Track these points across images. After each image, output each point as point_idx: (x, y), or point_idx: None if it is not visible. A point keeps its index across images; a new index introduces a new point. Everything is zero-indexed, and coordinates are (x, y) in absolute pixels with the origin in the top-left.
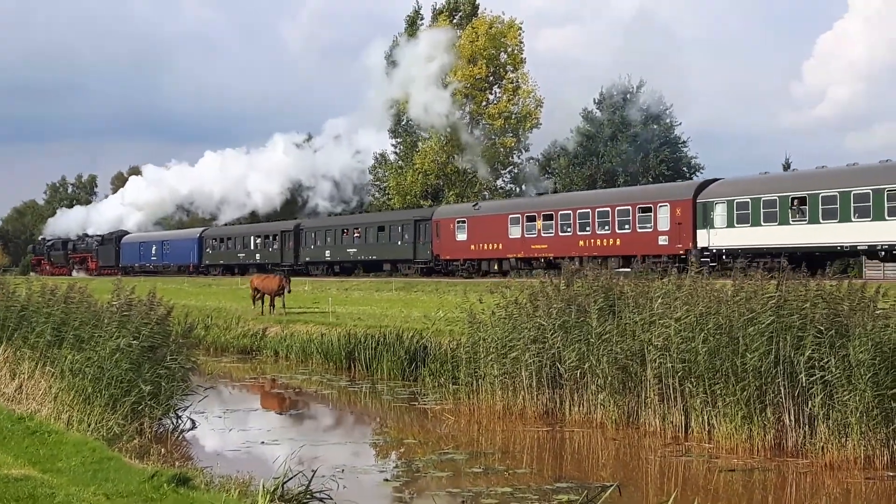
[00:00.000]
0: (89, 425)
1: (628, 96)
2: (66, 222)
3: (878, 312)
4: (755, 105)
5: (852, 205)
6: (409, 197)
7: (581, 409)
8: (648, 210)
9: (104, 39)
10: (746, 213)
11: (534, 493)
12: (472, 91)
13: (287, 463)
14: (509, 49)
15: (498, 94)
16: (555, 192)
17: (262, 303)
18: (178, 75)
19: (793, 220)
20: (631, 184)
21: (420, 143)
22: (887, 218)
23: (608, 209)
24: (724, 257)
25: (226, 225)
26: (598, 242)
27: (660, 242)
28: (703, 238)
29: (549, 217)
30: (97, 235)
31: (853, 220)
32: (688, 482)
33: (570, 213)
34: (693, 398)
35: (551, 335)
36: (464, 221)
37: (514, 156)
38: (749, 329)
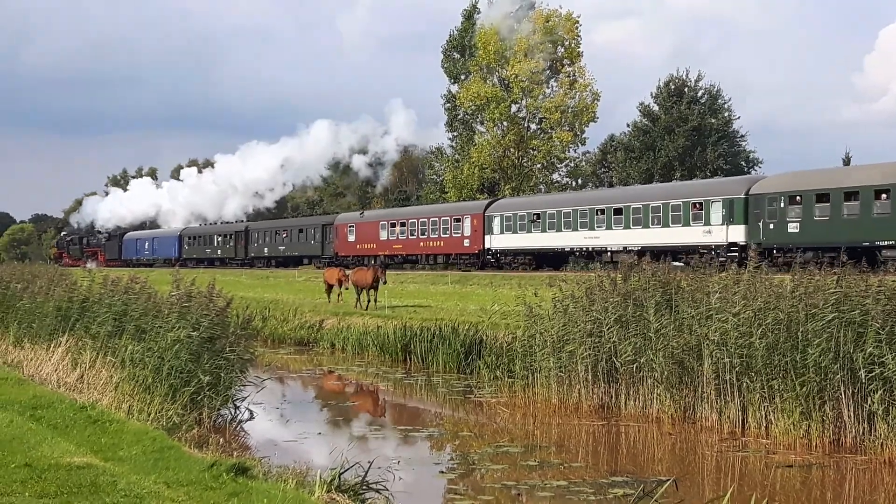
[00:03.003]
0: (149, 415)
1: (686, 90)
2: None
3: None
4: (815, 98)
5: (562, 220)
6: (465, 190)
7: (637, 403)
8: (459, 220)
9: (162, 31)
10: (511, 223)
11: (589, 486)
12: (529, 85)
13: (343, 454)
14: (566, 43)
15: (555, 88)
16: (610, 185)
17: (358, 296)
18: (234, 68)
19: (533, 230)
20: (687, 178)
21: (476, 137)
22: (578, 229)
23: (437, 219)
24: (498, 255)
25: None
26: (431, 244)
27: (465, 244)
28: (488, 241)
29: (403, 224)
30: (105, 232)
31: (563, 230)
32: (745, 477)
33: (415, 221)
34: (751, 393)
35: (607, 329)
36: (353, 226)
37: (571, 150)
38: (809, 325)
